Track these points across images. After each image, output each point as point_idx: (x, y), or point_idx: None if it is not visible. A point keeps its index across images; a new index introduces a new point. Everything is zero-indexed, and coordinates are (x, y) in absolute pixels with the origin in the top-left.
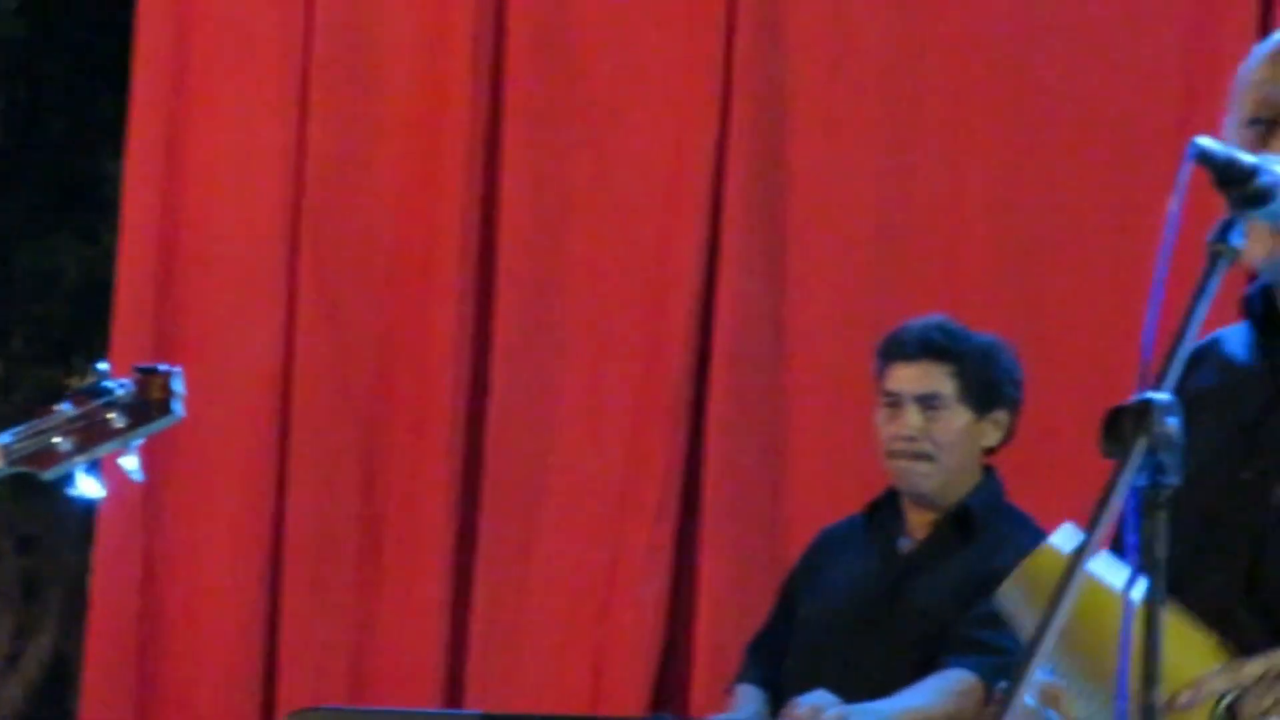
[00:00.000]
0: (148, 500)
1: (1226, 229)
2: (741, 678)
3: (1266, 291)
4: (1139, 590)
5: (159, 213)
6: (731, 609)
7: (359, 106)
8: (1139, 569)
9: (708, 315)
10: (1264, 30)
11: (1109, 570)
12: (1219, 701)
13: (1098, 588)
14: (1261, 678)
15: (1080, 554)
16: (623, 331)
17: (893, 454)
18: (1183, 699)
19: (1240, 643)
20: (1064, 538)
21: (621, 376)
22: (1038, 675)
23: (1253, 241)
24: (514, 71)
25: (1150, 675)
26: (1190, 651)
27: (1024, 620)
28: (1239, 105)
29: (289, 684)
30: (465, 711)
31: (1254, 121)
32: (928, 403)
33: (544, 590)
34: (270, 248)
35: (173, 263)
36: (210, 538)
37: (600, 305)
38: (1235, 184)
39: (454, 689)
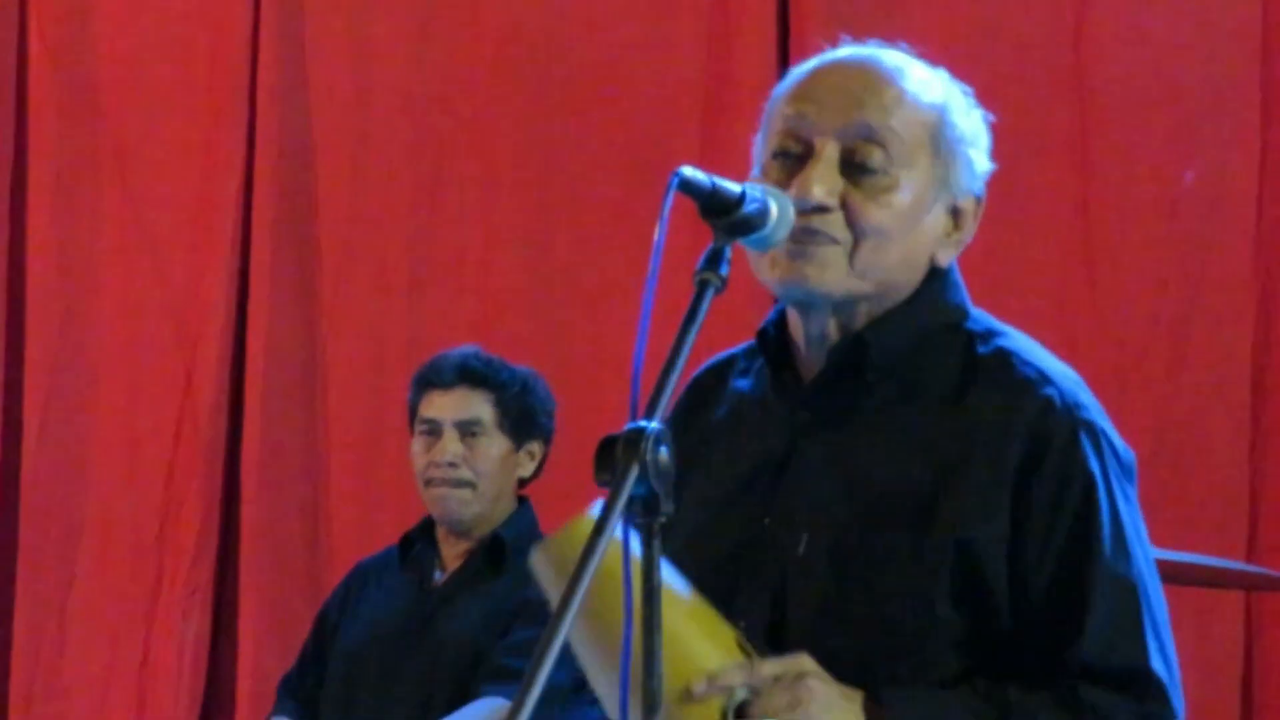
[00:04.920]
0: None
1: (714, 258)
2: (276, 712)
3: (781, 321)
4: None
5: None
6: (272, 647)
7: None
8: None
9: (240, 353)
10: (781, 61)
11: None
12: (732, 696)
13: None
14: (778, 679)
15: (597, 538)
16: (155, 371)
17: (431, 481)
18: (697, 689)
19: None
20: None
21: (155, 416)
22: None
23: (767, 266)
24: (37, 110)
25: (650, 704)
26: (712, 642)
27: (552, 590)
28: (767, 135)
29: None
30: None
31: (780, 155)
32: (467, 429)
33: (84, 633)
34: None
35: None
36: None
37: (132, 345)
38: (720, 213)
39: None
